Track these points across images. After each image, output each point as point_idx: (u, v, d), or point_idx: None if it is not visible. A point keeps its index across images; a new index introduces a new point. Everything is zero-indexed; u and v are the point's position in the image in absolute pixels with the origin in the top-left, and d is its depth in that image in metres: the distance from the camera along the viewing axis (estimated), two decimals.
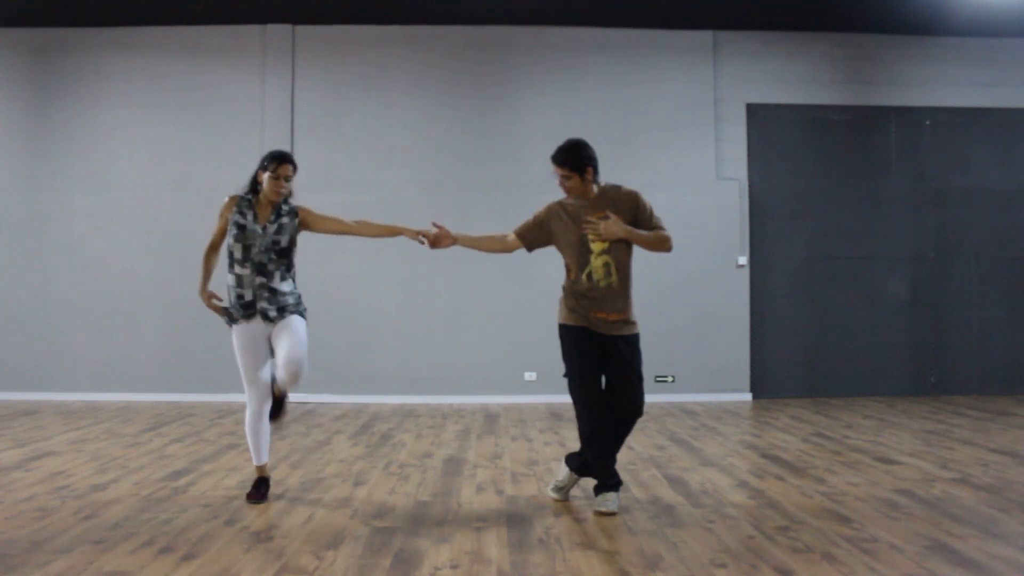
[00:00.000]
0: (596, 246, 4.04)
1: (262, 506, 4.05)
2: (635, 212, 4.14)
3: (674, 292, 8.38)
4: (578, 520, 3.81)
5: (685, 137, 8.58)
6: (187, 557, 3.22)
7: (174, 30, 8.49)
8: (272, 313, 4.05)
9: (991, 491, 4.35)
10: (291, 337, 4.00)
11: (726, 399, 8.34)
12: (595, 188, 4.15)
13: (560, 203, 4.19)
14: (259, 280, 4.03)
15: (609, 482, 4.00)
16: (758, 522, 3.75)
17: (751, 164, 8.64)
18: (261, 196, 4.08)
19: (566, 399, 8.43)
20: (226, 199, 4.15)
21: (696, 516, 3.87)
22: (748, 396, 8.41)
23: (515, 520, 3.81)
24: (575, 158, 4.06)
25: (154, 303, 8.33)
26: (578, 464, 4.11)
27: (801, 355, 8.58)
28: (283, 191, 4.06)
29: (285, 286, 4.08)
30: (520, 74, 8.61)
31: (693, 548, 3.36)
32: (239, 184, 8.92)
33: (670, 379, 8.40)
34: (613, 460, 4.07)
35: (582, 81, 8.58)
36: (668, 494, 4.32)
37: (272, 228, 4.05)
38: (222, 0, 8.08)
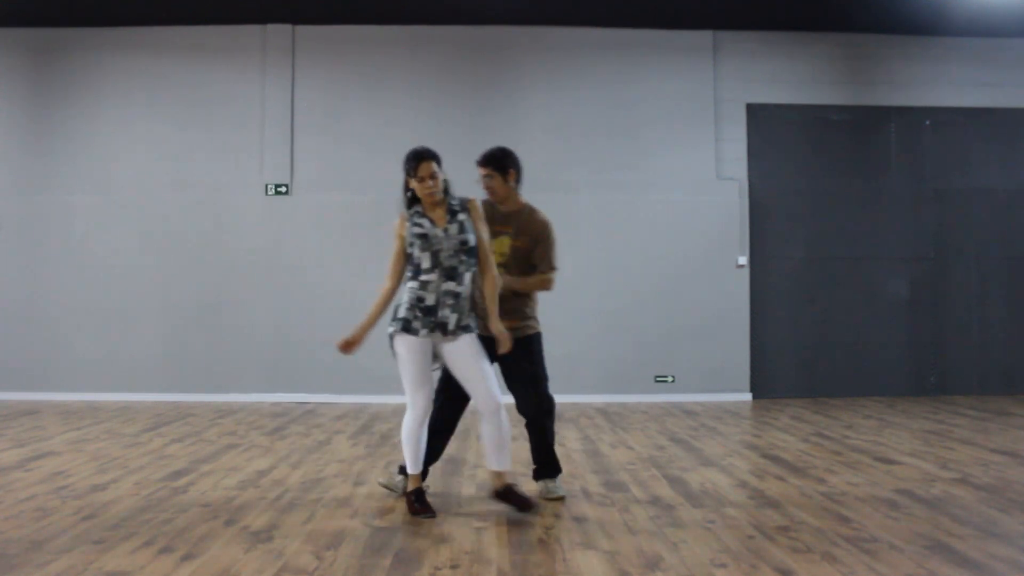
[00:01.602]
0: (495, 258, 4.11)
1: (262, 506, 4.04)
2: (536, 242, 4.22)
3: (674, 292, 8.39)
4: (578, 520, 3.81)
5: (685, 137, 8.57)
6: (187, 557, 3.22)
7: (174, 30, 8.48)
8: (451, 325, 3.81)
9: (991, 491, 4.35)
10: (478, 375, 3.84)
11: (726, 399, 8.33)
12: (516, 201, 4.26)
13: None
14: (446, 286, 3.80)
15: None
16: (758, 522, 3.75)
17: (751, 164, 8.63)
18: (423, 201, 3.87)
19: (565, 399, 8.44)
20: (397, 220, 3.91)
21: (696, 516, 3.87)
22: (748, 396, 8.41)
23: (515, 520, 3.81)
24: (499, 160, 4.19)
25: (154, 303, 8.33)
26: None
27: (801, 355, 8.58)
28: (435, 189, 3.81)
29: (468, 291, 3.87)
30: (520, 74, 8.60)
31: (693, 548, 3.36)
32: (239, 183, 8.95)
33: (670, 379, 8.40)
34: (550, 455, 4.27)
35: (582, 81, 8.58)
36: (668, 494, 4.32)
37: (454, 228, 3.82)
38: (222, 0, 8.09)
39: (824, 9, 8.25)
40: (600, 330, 8.34)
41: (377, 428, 6.58)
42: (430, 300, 3.81)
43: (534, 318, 4.28)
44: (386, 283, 3.96)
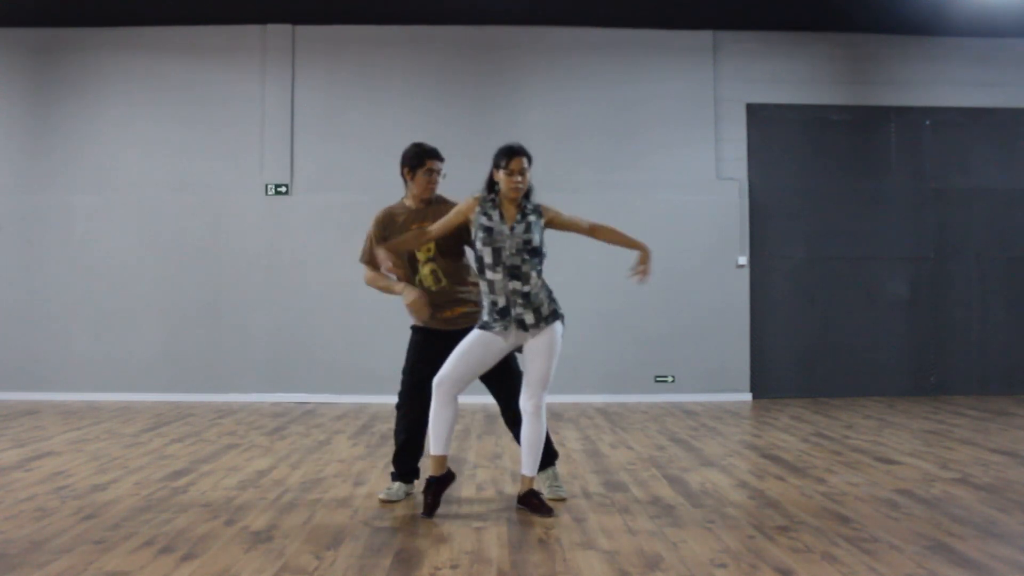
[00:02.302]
0: (421, 255, 4.14)
1: (262, 506, 4.04)
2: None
3: (674, 292, 8.38)
4: (578, 520, 3.81)
5: (685, 137, 8.57)
6: (187, 557, 3.22)
7: (174, 30, 8.48)
8: (529, 319, 3.82)
9: (991, 491, 4.35)
10: (540, 373, 3.86)
11: (726, 399, 8.33)
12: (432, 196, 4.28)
13: (392, 210, 4.28)
14: (512, 285, 3.80)
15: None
16: (758, 522, 3.75)
17: (751, 164, 8.63)
18: (502, 196, 3.87)
19: (565, 399, 8.43)
20: (468, 199, 3.90)
21: (696, 516, 3.87)
22: (748, 396, 8.41)
23: (515, 520, 3.81)
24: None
25: (154, 303, 8.33)
26: (402, 471, 4.23)
27: (801, 355, 8.58)
28: (522, 185, 3.85)
29: (538, 287, 3.87)
30: (520, 74, 8.61)
31: (693, 548, 3.36)
32: (239, 183, 8.94)
33: (670, 379, 8.40)
34: (541, 454, 4.14)
35: (582, 81, 8.58)
36: (668, 494, 4.32)
37: (520, 228, 3.83)
38: (222, 0, 8.09)
39: (824, 9, 8.25)
40: (600, 330, 8.34)
41: (377, 428, 6.59)
42: (501, 302, 3.83)
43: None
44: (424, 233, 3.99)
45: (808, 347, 8.58)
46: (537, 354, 3.86)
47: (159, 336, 8.31)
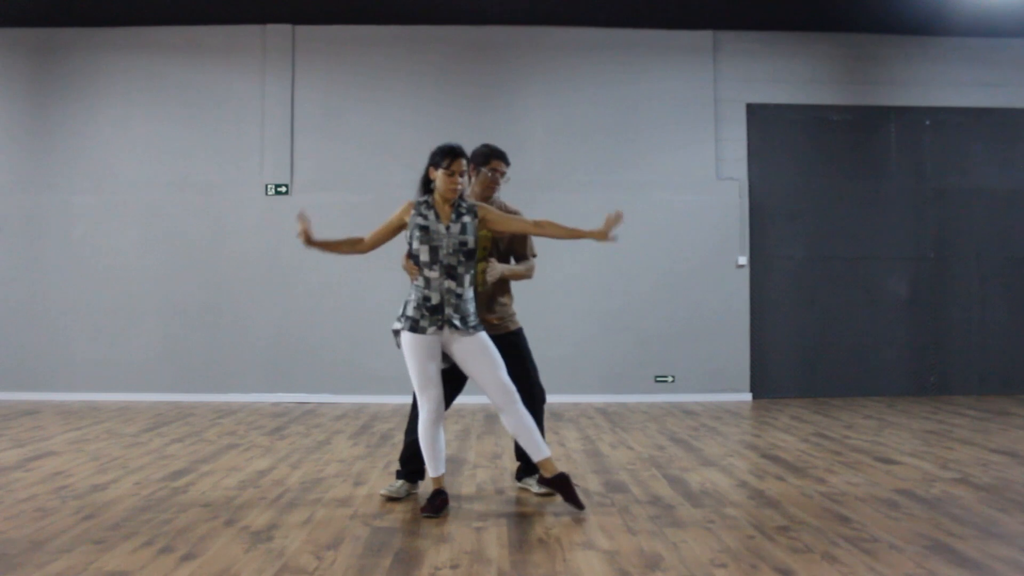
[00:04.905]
0: (479, 252, 4.15)
1: (262, 506, 4.05)
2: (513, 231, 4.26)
3: (674, 292, 8.39)
4: (578, 520, 3.81)
5: (685, 137, 8.58)
6: (187, 557, 3.22)
7: (174, 30, 8.49)
8: (456, 322, 3.84)
9: (991, 491, 4.36)
10: (490, 370, 3.87)
11: (726, 399, 8.33)
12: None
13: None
14: (448, 284, 3.84)
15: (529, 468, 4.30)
16: (758, 522, 3.75)
17: (751, 164, 8.64)
18: (437, 196, 3.89)
19: (565, 399, 8.42)
20: (404, 204, 3.95)
21: (696, 516, 3.87)
22: (748, 396, 8.41)
23: (515, 520, 3.81)
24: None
25: (154, 303, 8.33)
26: (408, 470, 4.27)
27: (801, 355, 8.58)
28: (459, 187, 3.86)
29: (470, 292, 3.91)
30: (520, 74, 8.61)
31: (693, 548, 3.36)
32: (239, 183, 8.93)
33: (670, 379, 8.40)
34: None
35: (582, 81, 8.58)
36: (668, 494, 4.32)
37: (456, 228, 3.85)
38: (222, 0, 8.09)
39: (824, 9, 8.25)
40: (600, 330, 8.34)
41: (377, 428, 6.58)
42: (435, 299, 3.85)
43: (514, 312, 4.36)
44: (362, 237, 4.10)
45: (808, 347, 8.58)
46: (474, 357, 3.88)
47: (159, 336, 8.31)
